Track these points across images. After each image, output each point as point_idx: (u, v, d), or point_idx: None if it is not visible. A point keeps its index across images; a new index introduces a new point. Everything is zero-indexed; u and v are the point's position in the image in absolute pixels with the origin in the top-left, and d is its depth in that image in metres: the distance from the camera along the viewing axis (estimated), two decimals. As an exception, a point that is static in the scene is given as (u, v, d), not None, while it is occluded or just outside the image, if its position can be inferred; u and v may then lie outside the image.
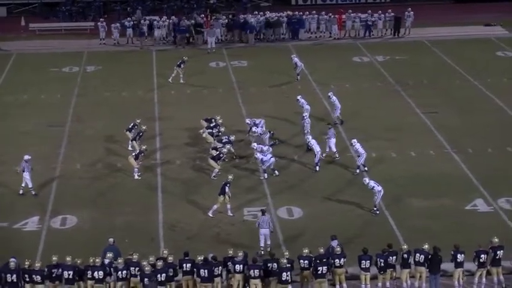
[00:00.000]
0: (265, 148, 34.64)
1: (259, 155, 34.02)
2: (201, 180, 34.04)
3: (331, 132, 35.91)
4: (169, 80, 45.98)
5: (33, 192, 32.78)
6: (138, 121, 36.93)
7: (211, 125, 36.73)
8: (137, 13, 58.70)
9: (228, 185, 30.73)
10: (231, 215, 30.93)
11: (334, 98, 39.36)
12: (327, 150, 35.71)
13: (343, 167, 35.00)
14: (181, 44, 54.47)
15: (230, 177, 31.31)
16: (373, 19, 56.61)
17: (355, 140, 34.55)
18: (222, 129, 36.59)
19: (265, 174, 33.97)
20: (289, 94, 43.03)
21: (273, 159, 34.08)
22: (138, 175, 34.08)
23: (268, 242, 27.86)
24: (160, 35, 55.24)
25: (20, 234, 29.88)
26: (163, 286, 24.89)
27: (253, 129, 36.58)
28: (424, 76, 47.31)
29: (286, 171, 34.78)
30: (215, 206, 30.77)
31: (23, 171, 32.69)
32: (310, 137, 35.25)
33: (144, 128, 36.41)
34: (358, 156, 34.20)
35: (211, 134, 36.21)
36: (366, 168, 34.29)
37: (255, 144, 35.15)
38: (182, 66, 45.91)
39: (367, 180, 31.15)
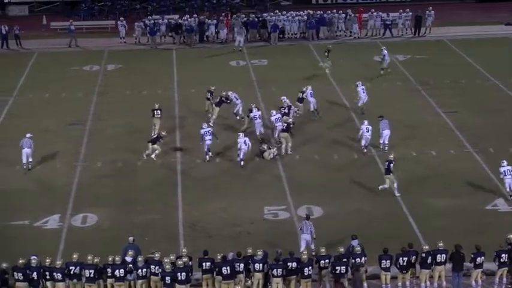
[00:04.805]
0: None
1: (241, 140, 34.60)
2: (222, 179, 34.08)
3: (383, 123, 36.16)
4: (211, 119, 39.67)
5: (26, 167, 34.33)
6: (163, 133, 36.33)
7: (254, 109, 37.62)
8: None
9: None
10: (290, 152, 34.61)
11: (360, 88, 39.94)
12: (380, 141, 35.95)
13: (364, 166, 34.93)
14: (191, 43, 54.56)
15: None
16: (393, 18, 56.52)
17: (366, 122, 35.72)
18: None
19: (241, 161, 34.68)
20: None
21: (244, 146, 34.48)
22: (156, 155, 34.94)
23: (313, 247, 27.16)
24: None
25: (41, 232, 30.01)
26: (183, 285, 24.96)
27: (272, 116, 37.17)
28: (445, 75, 47.08)
29: (306, 170, 34.77)
30: None
31: (23, 148, 34.19)
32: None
33: (164, 133, 36.11)
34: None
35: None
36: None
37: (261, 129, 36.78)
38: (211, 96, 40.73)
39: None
